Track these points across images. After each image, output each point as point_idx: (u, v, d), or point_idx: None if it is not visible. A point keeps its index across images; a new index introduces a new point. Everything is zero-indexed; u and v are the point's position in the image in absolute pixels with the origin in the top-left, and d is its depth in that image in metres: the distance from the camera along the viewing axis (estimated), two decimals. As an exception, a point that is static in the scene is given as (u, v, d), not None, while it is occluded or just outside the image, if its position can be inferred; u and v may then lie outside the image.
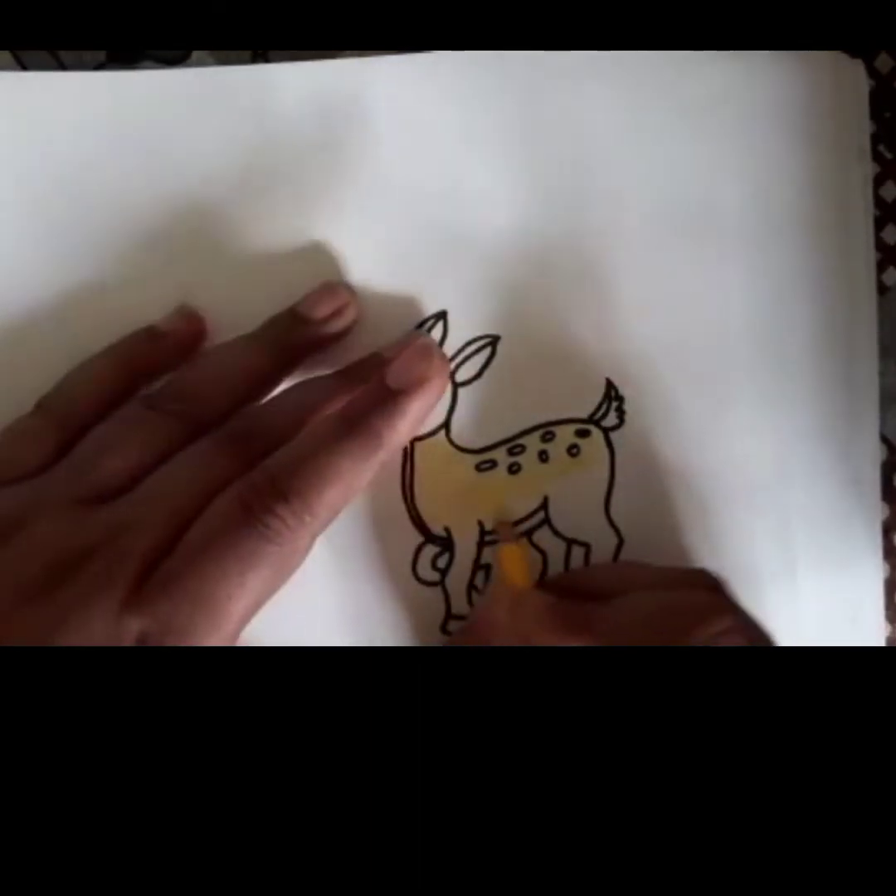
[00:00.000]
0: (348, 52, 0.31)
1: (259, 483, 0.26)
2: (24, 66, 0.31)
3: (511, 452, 0.31)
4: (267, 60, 0.32)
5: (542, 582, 0.30)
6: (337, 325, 0.30)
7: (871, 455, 0.33)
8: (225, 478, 0.26)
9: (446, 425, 0.31)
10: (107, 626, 0.24)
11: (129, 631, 0.24)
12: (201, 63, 0.32)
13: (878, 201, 0.33)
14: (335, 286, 0.31)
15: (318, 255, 0.31)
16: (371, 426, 0.27)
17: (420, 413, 0.28)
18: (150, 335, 0.30)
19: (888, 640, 0.33)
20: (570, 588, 0.29)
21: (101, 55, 0.32)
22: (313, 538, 0.27)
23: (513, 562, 0.30)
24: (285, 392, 0.29)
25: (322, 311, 0.30)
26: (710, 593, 0.28)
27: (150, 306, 0.30)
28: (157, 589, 0.25)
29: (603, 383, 0.32)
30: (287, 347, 0.30)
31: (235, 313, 0.30)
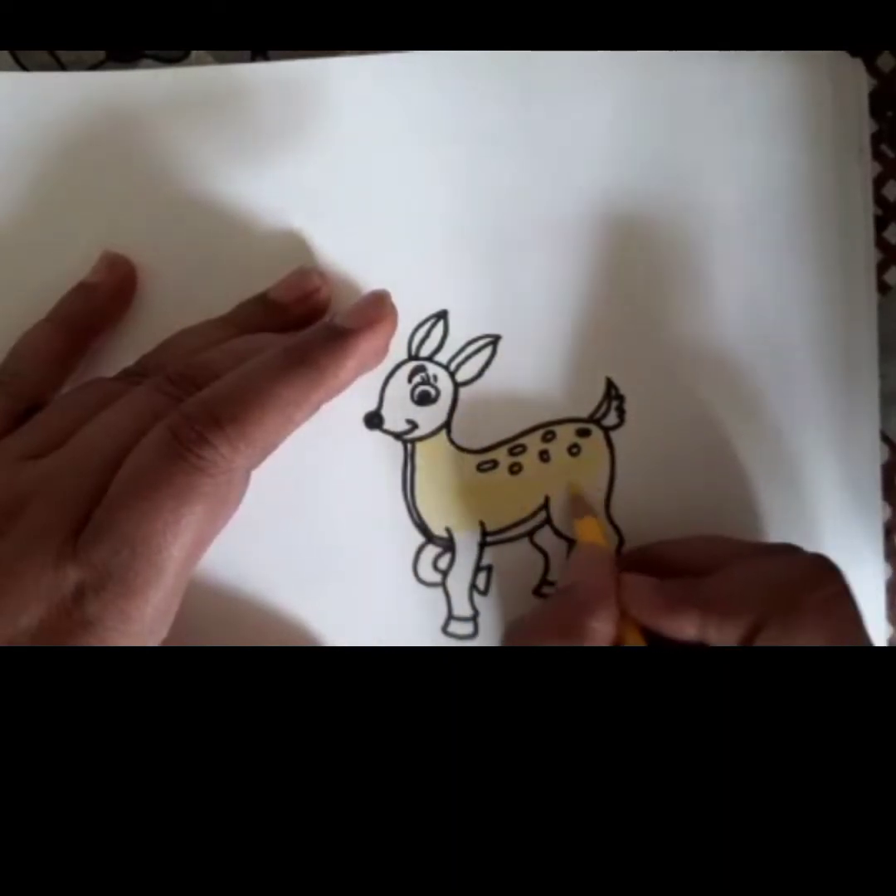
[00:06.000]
0: (348, 51, 0.31)
1: (191, 411, 0.25)
2: (23, 67, 0.32)
3: (512, 452, 0.31)
4: (267, 60, 0.32)
5: (620, 559, 0.29)
6: (306, 309, 0.30)
7: (871, 455, 0.33)
8: (161, 415, 0.25)
9: (447, 425, 0.31)
10: (43, 578, 0.24)
11: (67, 581, 0.24)
12: (201, 63, 0.32)
13: (881, 200, 0.33)
14: (306, 271, 0.31)
15: (310, 253, 0.31)
16: (316, 359, 0.26)
17: (366, 353, 0.28)
18: (81, 291, 0.30)
19: (889, 640, 0.33)
20: (651, 563, 0.29)
21: (101, 55, 0.32)
22: (248, 472, 0.26)
23: (593, 534, 0.30)
24: (231, 341, 0.29)
25: (290, 294, 0.30)
26: (814, 557, 0.27)
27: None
28: (92, 535, 0.24)
29: (603, 382, 0.32)
30: (255, 330, 0.29)
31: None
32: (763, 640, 0.25)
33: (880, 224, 0.33)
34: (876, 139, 0.33)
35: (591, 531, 0.30)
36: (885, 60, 0.33)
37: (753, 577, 0.27)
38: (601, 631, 0.26)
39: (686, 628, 0.26)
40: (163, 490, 0.24)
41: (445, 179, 0.31)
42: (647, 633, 0.27)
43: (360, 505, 0.31)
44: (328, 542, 0.31)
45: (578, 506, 0.31)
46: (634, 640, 0.27)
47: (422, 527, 0.31)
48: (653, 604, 0.27)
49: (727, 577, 0.27)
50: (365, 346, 0.28)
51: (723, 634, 0.26)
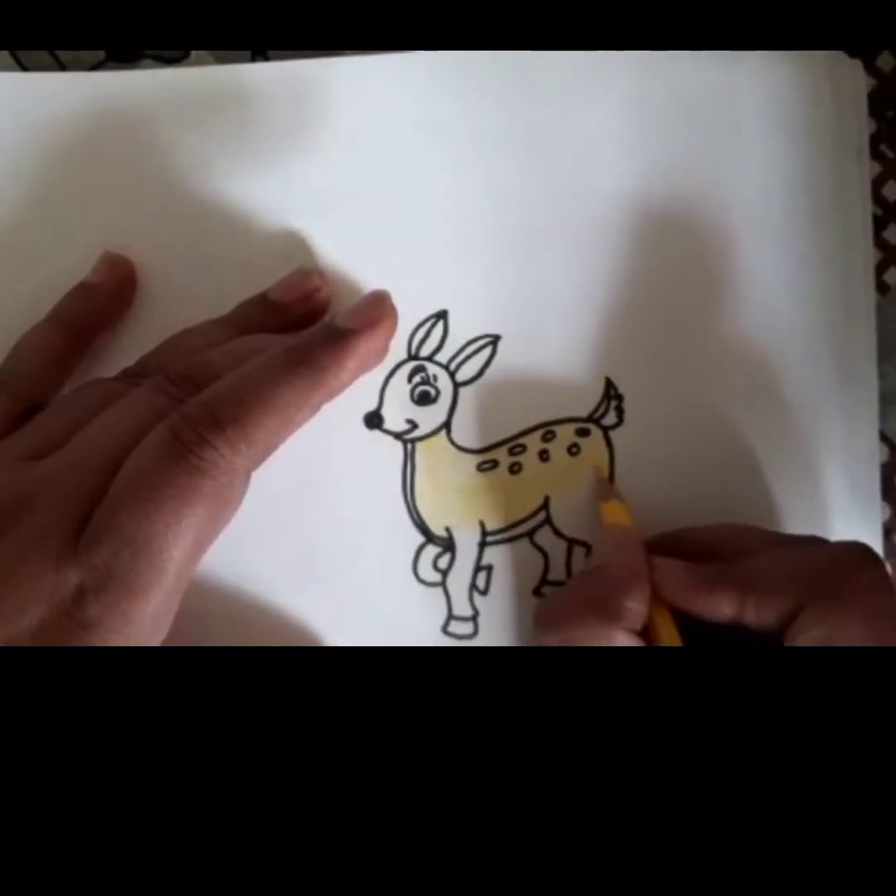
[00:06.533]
0: (348, 51, 0.31)
1: (192, 412, 0.25)
2: (24, 67, 0.32)
3: (512, 452, 0.31)
4: (267, 60, 0.32)
5: (648, 544, 0.29)
6: (306, 309, 0.30)
7: (871, 455, 0.33)
8: (162, 416, 0.25)
9: (447, 425, 0.31)
10: (44, 579, 0.24)
11: (68, 582, 0.24)
12: (201, 63, 0.32)
13: (880, 201, 0.33)
14: (306, 271, 0.31)
15: (308, 252, 0.31)
16: (316, 360, 0.27)
17: (366, 354, 0.28)
18: (81, 292, 0.30)
19: (888, 639, 0.33)
20: (676, 548, 0.29)
21: (101, 55, 0.32)
22: (249, 473, 0.26)
23: (620, 517, 0.30)
24: (231, 342, 0.29)
25: (291, 294, 0.30)
26: (856, 544, 0.27)
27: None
28: (92, 536, 0.24)
29: (602, 382, 0.32)
30: (255, 330, 0.29)
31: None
32: (803, 622, 0.25)
33: (880, 224, 0.33)
34: (875, 139, 0.33)
35: (618, 514, 0.30)
36: (884, 60, 0.33)
37: (794, 560, 0.27)
38: (636, 611, 0.26)
39: (723, 608, 0.26)
40: (164, 491, 0.24)
41: (445, 179, 0.31)
42: (677, 616, 0.27)
43: (360, 505, 0.31)
44: (328, 541, 0.31)
45: (604, 489, 0.31)
46: (664, 622, 0.27)
47: (422, 526, 0.31)
48: (688, 584, 0.27)
49: (765, 559, 0.27)
50: (365, 346, 0.28)
51: (761, 614, 0.26)
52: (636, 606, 0.26)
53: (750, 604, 0.26)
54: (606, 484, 0.31)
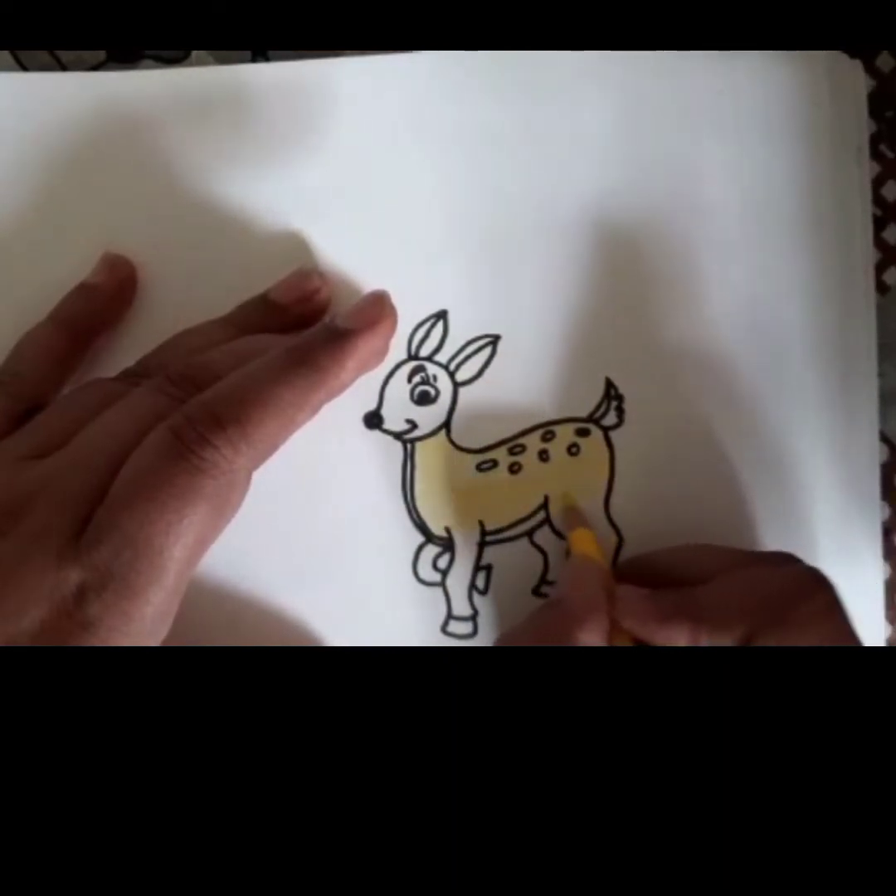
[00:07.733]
0: (349, 52, 0.31)
1: (193, 412, 0.25)
2: (24, 67, 0.32)
3: (512, 452, 0.31)
4: (267, 60, 0.32)
5: (616, 570, 0.30)
6: (306, 310, 0.30)
7: (871, 455, 0.33)
8: (163, 416, 0.26)
9: (447, 425, 0.31)
10: (45, 579, 0.24)
11: (68, 582, 0.24)
12: (201, 63, 0.32)
13: (880, 201, 0.33)
14: (306, 272, 0.31)
15: (308, 252, 0.31)
16: (316, 360, 0.27)
17: (366, 353, 0.28)
18: (82, 292, 0.30)
19: (888, 640, 0.33)
20: (646, 573, 0.29)
21: (102, 55, 0.32)
22: (250, 474, 0.27)
23: (586, 545, 0.30)
24: (231, 342, 0.29)
25: (290, 295, 0.30)
26: (805, 569, 0.27)
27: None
28: (93, 536, 0.24)
29: (602, 382, 0.32)
30: (255, 331, 0.29)
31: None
32: None
33: (879, 224, 0.33)
34: (875, 139, 0.33)
35: (585, 542, 0.30)
36: (884, 61, 0.33)
37: (745, 588, 0.27)
38: (589, 643, 0.26)
39: (677, 639, 0.26)
40: (165, 491, 0.24)
41: (446, 180, 0.31)
42: (642, 644, 0.27)
43: (359, 505, 0.31)
44: (328, 541, 0.31)
45: (571, 517, 0.31)
46: None
47: (421, 526, 0.31)
48: (644, 614, 0.27)
49: (719, 587, 0.27)
50: (365, 346, 0.28)
51: (716, 643, 0.26)
52: (589, 638, 0.26)
53: (703, 634, 0.26)
54: (574, 511, 0.31)
